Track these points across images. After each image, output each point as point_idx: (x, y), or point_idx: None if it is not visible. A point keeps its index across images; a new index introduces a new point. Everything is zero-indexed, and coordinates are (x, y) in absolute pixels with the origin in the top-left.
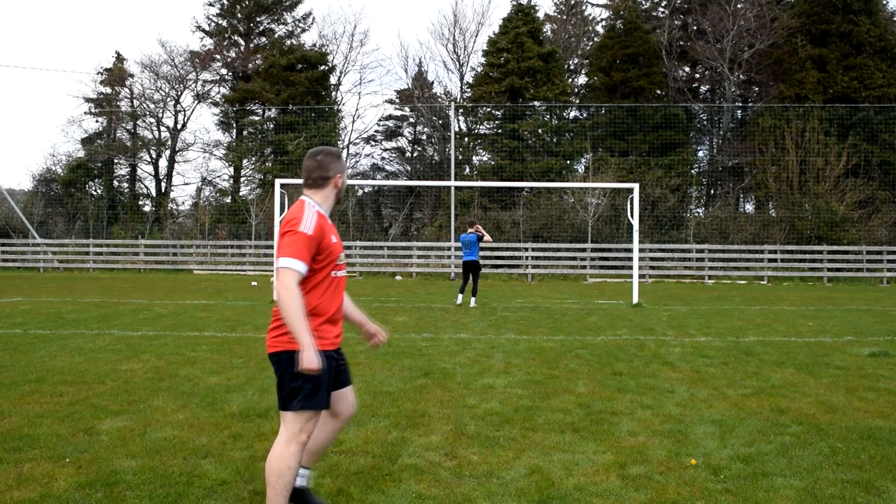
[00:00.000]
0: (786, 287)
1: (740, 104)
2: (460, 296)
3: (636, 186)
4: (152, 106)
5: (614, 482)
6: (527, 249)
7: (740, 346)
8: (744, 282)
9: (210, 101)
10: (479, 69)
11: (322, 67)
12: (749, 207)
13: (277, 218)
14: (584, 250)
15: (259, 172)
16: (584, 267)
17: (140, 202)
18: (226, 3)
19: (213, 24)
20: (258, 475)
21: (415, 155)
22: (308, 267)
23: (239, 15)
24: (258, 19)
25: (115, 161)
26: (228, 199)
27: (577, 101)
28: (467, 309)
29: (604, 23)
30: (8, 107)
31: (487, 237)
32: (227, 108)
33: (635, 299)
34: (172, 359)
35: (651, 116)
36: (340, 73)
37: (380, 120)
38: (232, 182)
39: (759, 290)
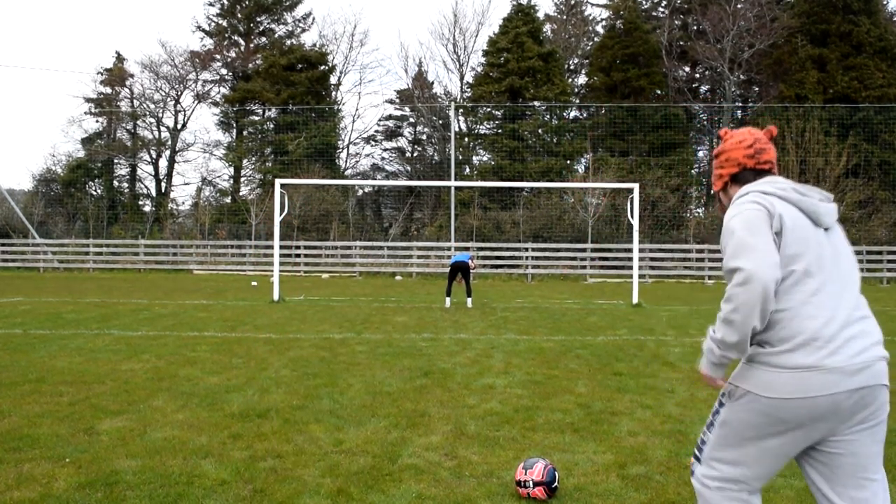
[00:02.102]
0: None
1: (740, 104)
2: (448, 299)
3: (636, 186)
4: (152, 106)
5: (614, 482)
6: (527, 249)
7: None
8: None
9: (210, 101)
10: (479, 69)
11: (322, 67)
12: None
13: (278, 218)
14: (584, 250)
15: (259, 172)
16: (584, 267)
17: (140, 202)
18: (226, 3)
19: (213, 24)
20: (258, 475)
21: (415, 155)
22: None
23: (239, 15)
24: (258, 19)
25: (115, 161)
26: (228, 199)
27: (577, 101)
28: (467, 309)
29: (604, 23)
30: (8, 107)
31: (473, 265)
32: (227, 108)
33: (635, 299)
34: (172, 359)
35: (651, 116)
36: (340, 73)
37: (380, 120)
38: (232, 182)
39: None
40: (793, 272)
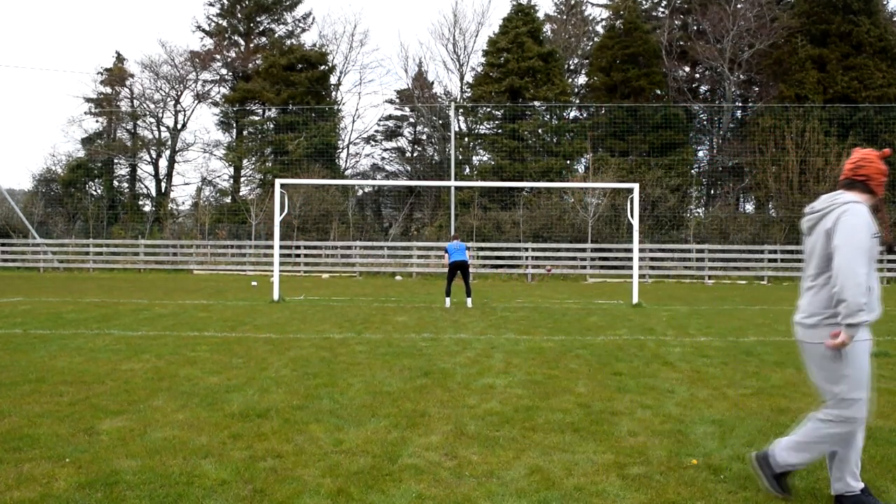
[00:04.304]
0: (786, 287)
1: (740, 104)
2: (448, 299)
3: (636, 186)
4: (152, 106)
5: (614, 482)
6: (527, 249)
7: (740, 346)
8: (744, 282)
9: (210, 101)
10: (479, 69)
11: (322, 67)
12: (749, 207)
13: (278, 218)
14: (584, 250)
15: (259, 172)
16: (584, 267)
17: (140, 202)
18: (226, 3)
19: (213, 23)
20: (258, 475)
21: (415, 155)
22: None
23: (239, 15)
24: (258, 19)
25: (115, 161)
26: (228, 199)
27: (577, 101)
28: (467, 309)
29: (604, 23)
30: (8, 107)
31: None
32: (227, 108)
33: (635, 299)
34: (172, 359)
35: (651, 116)
36: (340, 73)
37: (380, 120)
38: (232, 182)
39: (759, 290)
40: None
